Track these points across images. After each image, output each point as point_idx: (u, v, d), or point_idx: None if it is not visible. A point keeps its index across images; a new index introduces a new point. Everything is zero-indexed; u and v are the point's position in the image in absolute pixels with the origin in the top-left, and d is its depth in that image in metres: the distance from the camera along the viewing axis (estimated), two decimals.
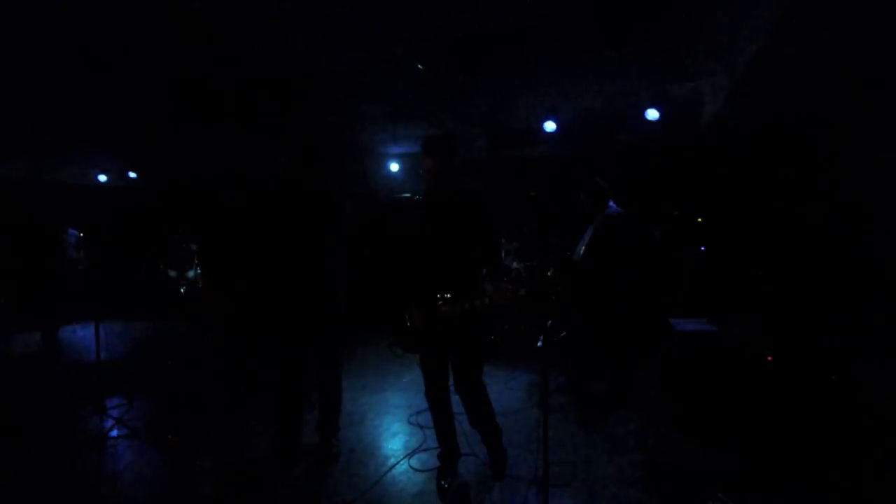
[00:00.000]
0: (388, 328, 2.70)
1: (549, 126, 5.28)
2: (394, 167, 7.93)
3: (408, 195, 2.61)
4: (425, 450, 2.99)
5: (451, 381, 2.64)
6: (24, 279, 5.05)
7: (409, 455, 2.93)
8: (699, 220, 4.90)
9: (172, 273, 5.49)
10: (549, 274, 2.19)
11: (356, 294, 2.91)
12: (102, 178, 8.19)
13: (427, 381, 2.59)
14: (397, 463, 2.84)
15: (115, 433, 3.25)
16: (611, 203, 3.63)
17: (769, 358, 3.09)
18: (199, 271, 5.42)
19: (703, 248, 4.57)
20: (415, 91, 4.51)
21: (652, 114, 4.67)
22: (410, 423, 3.41)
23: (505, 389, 4.05)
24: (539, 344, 5.29)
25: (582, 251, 3.40)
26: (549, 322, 4.50)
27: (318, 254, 2.64)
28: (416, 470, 2.77)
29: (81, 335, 5.58)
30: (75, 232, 5.36)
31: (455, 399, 2.65)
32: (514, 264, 5.50)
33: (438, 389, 2.59)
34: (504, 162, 7.16)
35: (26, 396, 3.92)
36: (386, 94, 4.41)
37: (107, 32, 3.42)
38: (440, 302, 2.43)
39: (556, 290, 3.70)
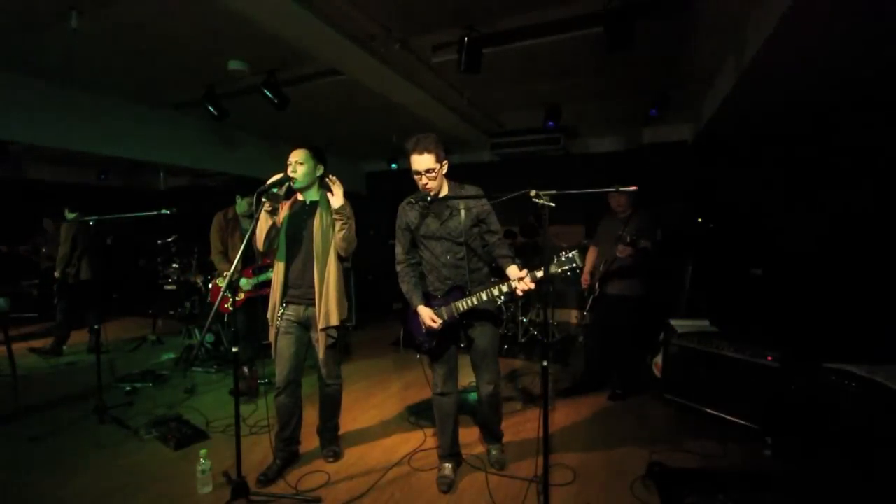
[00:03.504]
0: (394, 329, 2.69)
1: (550, 126, 5.28)
2: (394, 167, 7.95)
3: (408, 196, 2.58)
4: (425, 450, 2.99)
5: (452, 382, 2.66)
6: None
7: (409, 455, 2.93)
8: (699, 219, 4.90)
9: (173, 273, 5.49)
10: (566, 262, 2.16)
11: (357, 295, 2.91)
12: (102, 177, 8.24)
13: (438, 380, 2.60)
14: (397, 463, 2.84)
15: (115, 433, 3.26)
16: None
17: (769, 358, 3.09)
18: (198, 271, 5.41)
19: (702, 248, 4.58)
20: (415, 90, 4.51)
21: (652, 114, 4.67)
22: (410, 423, 3.42)
23: (505, 389, 4.05)
24: (539, 344, 5.31)
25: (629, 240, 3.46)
26: (550, 322, 4.48)
27: (321, 257, 2.63)
28: (416, 470, 2.77)
29: (81, 335, 5.57)
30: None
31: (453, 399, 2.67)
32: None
33: (448, 388, 2.60)
34: (504, 162, 7.17)
35: (27, 396, 3.92)
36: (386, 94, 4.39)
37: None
38: (455, 299, 2.45)
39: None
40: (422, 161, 2.34)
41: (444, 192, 2.48)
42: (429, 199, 2.44)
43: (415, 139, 2.37)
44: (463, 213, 2.44)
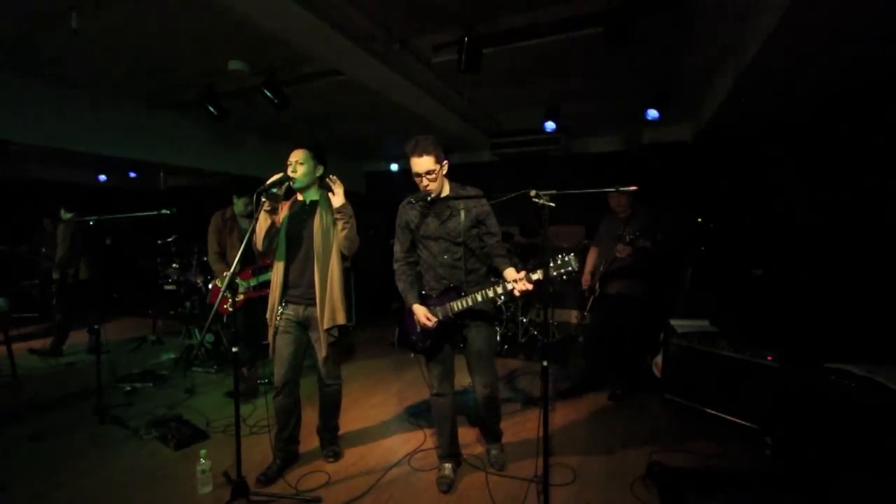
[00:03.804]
0: (394, 329, 2.69)
1: (550, 126, 5.29)
2: (393, 167, 7.95)
3: (408, 196, 2.59)
4: (425, 450, 2.99)
5: (452, 382, 2.66)
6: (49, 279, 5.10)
7: (409, 455, 2.93)
8: (699, 219, 4.90)
9: (173, 273, 5.49)
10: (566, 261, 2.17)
11: (357, 295, 2.92)
12: (102, 177, 8.24)
13: (434, 380, 2.60)
14: (397, 463, 2.84)
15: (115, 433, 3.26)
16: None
17: (769, 358, 3.09)
18: (197, 271, 5.41)
19: (703, 248, 4.58)
20: (415, 90, 4.51)
21: (652, 114, 4.67)
22: (410, 423, 3.42)
23: (505, 389, 4.05)
24: (540, 344, 5.31)
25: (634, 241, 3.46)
26: (550, 322, 4.46)
27: (322, 257, 2.63)
28: (416, 470, 2.77)
29: (81, 335, 5.57)
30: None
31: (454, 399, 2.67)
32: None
33: (444, 388, 2.60)
34: (504, 162, 7.17)
35: (27, 396, 3.92)
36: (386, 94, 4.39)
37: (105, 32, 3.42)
38: (451, 299, 2.45)
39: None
40: (421, 163, 2.34)
41: (445, 192, 2.49)
42: (429, 199, 2.45)
43: (413, 142, 2.36)
44: (462, 213, 2.44)
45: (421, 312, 2.45)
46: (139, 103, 5.15)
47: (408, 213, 2.55)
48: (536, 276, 2.22)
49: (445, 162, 2.43)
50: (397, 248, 2.61)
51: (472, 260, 2.51)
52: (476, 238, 2.52)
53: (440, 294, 2.49)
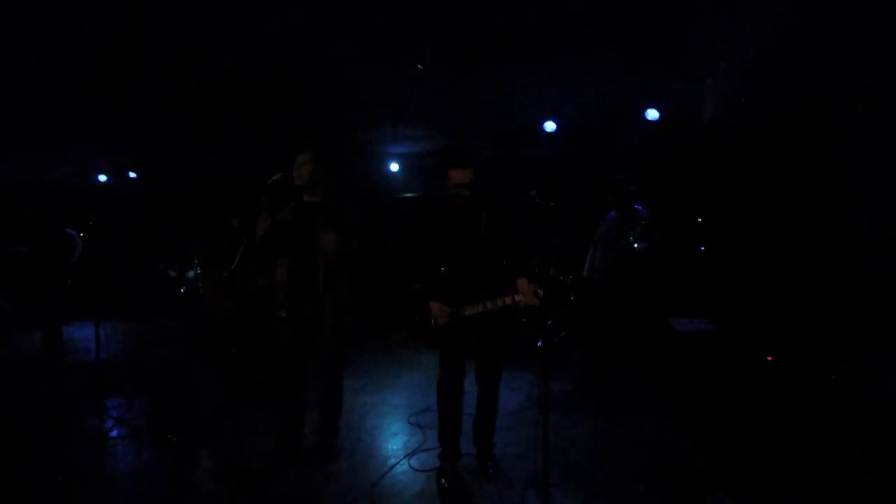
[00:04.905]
0: (411, 324, 2.73)
1: (549, 126, 5.29)
2: (394, 167, 7.94)
3: (410, 195, 2.67)
4: (425, 450, 2.99)
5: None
6: (32, 279, 5.07)
7: (409, 455, 2.93)
8: (699, 220, 4.90)
9: (172, 273, 5.49)
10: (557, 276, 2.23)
11: (358, 294, 2.93)
12: (102, 178, 8.23)
13: (445, 377, 2.63)
14: (397, 463, 2.84)
15: (115, 433, 3.25)
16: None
17: (769, 358, 3.09)
18: (199, 271, 5.41)
19: (703, 248, 4.58)
20: (415, 91, 4.51)
21: (652, 114, 4.67)
22: (410, 423, 3.42)
23: (505, 389, 4.03)
24: (539, 344, 5.30)
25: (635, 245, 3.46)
26: (549, 322, 4.45)
27: (325, 258, 2.64)
28: (416, 470, 2.77)
29: (81, 335, 5.57)
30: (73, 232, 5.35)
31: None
32: None
33: (455, 386, 2.63)
34: (504, 162, 7.15)
35: (27, 396, 3.92)
36: (386, 95, 4.40)
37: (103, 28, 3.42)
38: (467, 301, 2.48)
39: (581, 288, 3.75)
40: (464, 174, 2.42)
41: (476, 202, 2.52)
42: (439, 201, 2.50)
43: (454, 154, 2.48)
44: (483, 218, 2.48)
45: (435, 306, 2.51)
46: (137, 103, 5.14)
47: (430, 215, 2.61)
48: (541, 292, 2.28)
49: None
50: (417, 249, 2.66)
51: (488, 264, 2.54)
52: (495, 243, 2.54)
53: (456, 296, 2.51)
